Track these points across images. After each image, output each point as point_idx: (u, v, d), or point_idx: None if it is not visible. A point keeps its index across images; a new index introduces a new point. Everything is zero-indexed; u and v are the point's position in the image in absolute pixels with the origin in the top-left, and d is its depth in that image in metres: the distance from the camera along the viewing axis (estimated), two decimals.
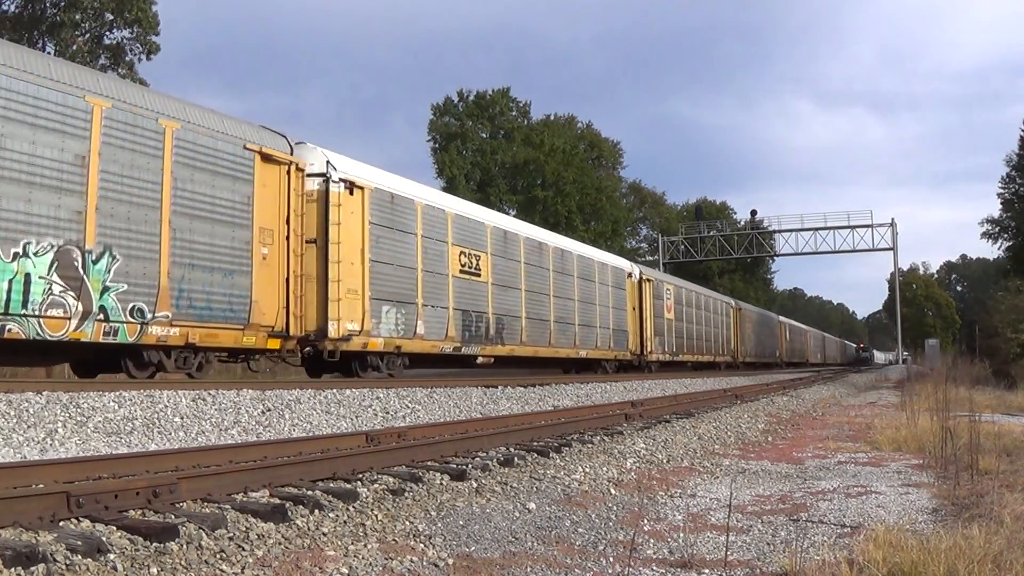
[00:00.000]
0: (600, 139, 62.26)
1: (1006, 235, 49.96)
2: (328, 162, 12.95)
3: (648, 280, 27.95)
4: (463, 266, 16.45)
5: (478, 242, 17.20)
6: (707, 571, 3.91)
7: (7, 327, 8.60)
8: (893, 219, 53.49)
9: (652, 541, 4.51)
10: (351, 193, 13.30)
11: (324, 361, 13.30)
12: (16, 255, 8.71)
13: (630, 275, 26.60)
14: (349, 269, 13.06)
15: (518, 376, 18.34)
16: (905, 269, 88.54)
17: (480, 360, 17.38)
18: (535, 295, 19.61)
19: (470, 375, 18.73)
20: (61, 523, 3.71)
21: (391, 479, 5.37)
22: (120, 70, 31.09)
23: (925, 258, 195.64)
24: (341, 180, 13.08)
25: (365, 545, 3.84)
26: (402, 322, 14.34)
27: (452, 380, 15.30)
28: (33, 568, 3.01)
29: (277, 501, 4.45)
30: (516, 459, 6.62)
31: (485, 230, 17.62)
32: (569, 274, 21.94)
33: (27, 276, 8.79)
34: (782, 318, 55.64)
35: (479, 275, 17.09)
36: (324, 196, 12.85)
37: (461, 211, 16.99)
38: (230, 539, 3.68)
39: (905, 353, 63.72)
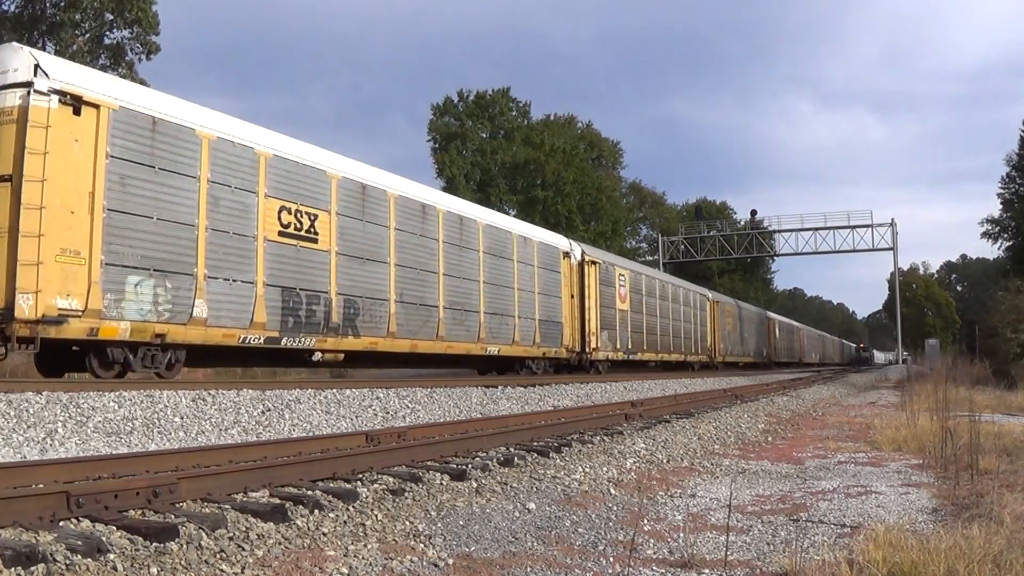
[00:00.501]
0: (600, 139, 62.31)
1: (1006, 235, 50.04)
2: (37, 66, 9.17)
3: (593, 262, 22.81)
4: (286, 227, 12.00)
5: (316, 196, 12.68)
6: (707, 571, 3.91)
7: None
8: (893, 219, 53.54)
9: (652, 541, 4.51)
10: (76, 112, 9.41)
11: (70, 354, 10.01)
12: None
13: (567, 254, 21.52)
14: (64, 220, 9.22)
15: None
16: (905, 269, 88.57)
17: (319, 357, 12.75)
18: (413, 272, 14.91)
19: (470, 375, 18.59)
20: (61, 523, 3.71)
21: (391, 479, 5.37)
22: (120, 70, 31.11)
23: (925, 258, 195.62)
24: (57, 92, 9.22)
25: (365, 545, 3.84)
26: (166, 300, 10.22)
27: (452, 380, 15.29)
28: (33, 568, 3.01)
29: (277, 501, 4.46)
30: (516, 459, 6.62)
31: (328, 182, 12.98)
32: (471, 248, 16.96)
33: None
34: (771, 314, 51.76)
35: (315, 241, 12.56)
36: (25, 114, 9.09)
37: (284, 152, 12.19)
38: (230, 539, 3.68)
39: (905, 353, 63.71)
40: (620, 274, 25.13)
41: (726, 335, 37.97)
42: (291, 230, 12.19)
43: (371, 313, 13.78)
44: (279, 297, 11.87)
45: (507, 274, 18.46)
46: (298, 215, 12.34)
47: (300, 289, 12.24)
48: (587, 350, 21.86)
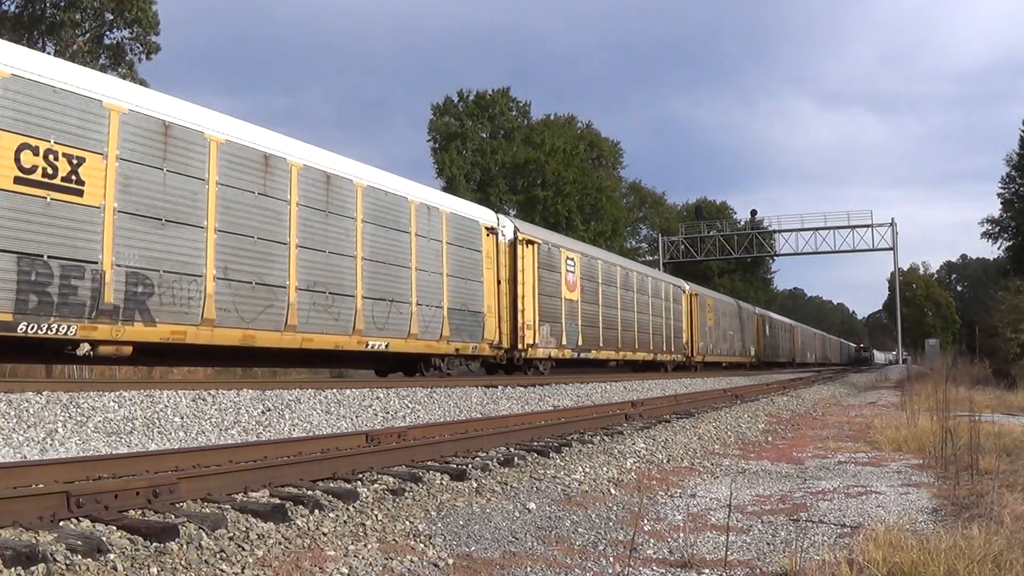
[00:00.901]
0: (600, 139, 62.37)
1: (1006, 235, 50.05)
2: None
3: (530, 241, 18.87)
4: (29, 172, 9.00)
5: (83, 134, 9.57)
6: (707, 571, 3.91)
7: None
8: (893, 219, 53.57)
9: (652, 541, 4.51)
10: None
11: None
12: None
13: (492, 231, 17.59)
14: None
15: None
16: (905, 269, 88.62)
17: (87, 350, 9.60)
18: (248, 241, 11.40)
19: (469, 375, 18.42)
20: (61, 523, 3.71)
21: (391, 479, 5.37)
22: (120, 70, 31.12)
23: (925, 258, 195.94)
24: None
25: (365, 545, 3.84)
26: None
27: (452, 380, 15.26)
28: (33, 568, 3.01)
29: (277, 501, 4.46)
30: (516, 459, 6.62)
31: (105, 115, 9.82)
32: (344, 215, 13.29)
33: None
34: (760, 310, 47.97)
35: (79, 193, 9.48)
36: None
37: (28, 72, 9.19)
38: (230, 539, 3.68)
39: (905, 353, 63.73)
40: (568, 257, 21.15)
41: (707, 332, 34.26)
42: (37, 176, 9.15)
43: (174, 293, 10.34)
44: (13, 267, 8.86)
45: (400, 250, 14.60)
46: (50, 157, 9.29)
47: (50, 257, 9.18)
48: (521, 346, 18.04)
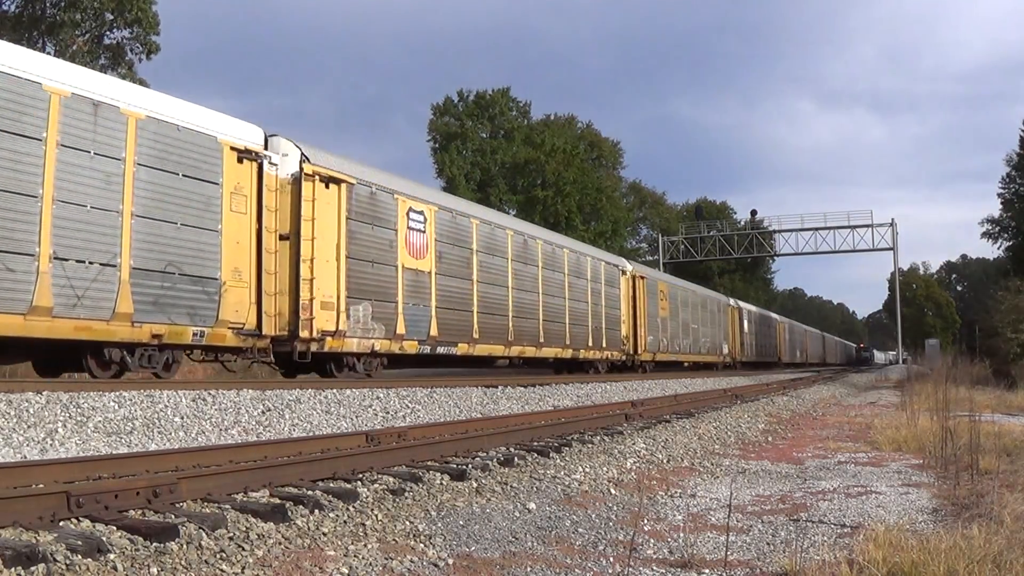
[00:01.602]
0: (600, 139, 62.38)
1: (1006, 235, 50.10)
2: None
3: (334, 180, 12.79)
4: None
5: None
6: (707, 571, 3.91)
7: None
8: (893, 219, 53.71)
9: (652, 541, 4.52)
10: None
11: None
12: None
13: (249, 155, 11.50)
14: None
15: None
16: (905, 269, 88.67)
17: None
18: None
19: (470, 374, 18.35)
20: (61, 523, 3.71)
21: (391, 479, 5.38)
22: (120, 70, 31.12)
23: (925, 258, 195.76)
24: None
25: (365, 545, 3.84)
26: None
27: (452, 380, 15.26)
28: (33, 568, 3.01)
29: (277, 501, 4.46)
30: (516, 459, 6.62)
31: None
32: None
33: None
34: (735, 301, 40.69)
35: None
36: None
37: None
38: (230, 539, 3.68)
39: (905, 353, 63.76)
40: (413, 209, 14.86)
41: (658, 324, 27.83)
42: None
43: None
44: None
45: (15, 167, 8.75)
46: None
47: None
48: (309, 334, 12.11)
